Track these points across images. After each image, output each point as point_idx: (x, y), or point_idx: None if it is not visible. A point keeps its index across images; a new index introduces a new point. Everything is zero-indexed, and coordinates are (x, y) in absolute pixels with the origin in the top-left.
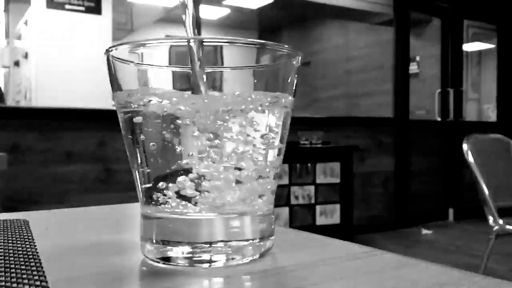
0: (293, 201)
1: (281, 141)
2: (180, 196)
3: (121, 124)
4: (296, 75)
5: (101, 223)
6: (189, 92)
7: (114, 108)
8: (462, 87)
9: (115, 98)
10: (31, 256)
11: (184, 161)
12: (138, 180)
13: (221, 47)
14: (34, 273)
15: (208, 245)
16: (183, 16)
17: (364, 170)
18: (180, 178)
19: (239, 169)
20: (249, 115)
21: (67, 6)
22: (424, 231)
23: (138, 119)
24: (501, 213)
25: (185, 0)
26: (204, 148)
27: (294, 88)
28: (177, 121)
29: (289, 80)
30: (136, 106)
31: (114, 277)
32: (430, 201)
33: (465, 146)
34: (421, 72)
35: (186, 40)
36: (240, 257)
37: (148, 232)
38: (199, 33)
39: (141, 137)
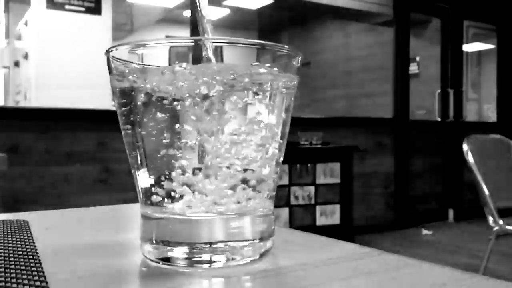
0: (293, 202)
1: (281, 139)
2: (180, 196)
3: (119, 116)
4: (296, 76)
5: (101, 223)
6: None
7: (114, 108)
8: (462, 87)
9: (111, 80)
10: (31, 256)
11: (184, 161)
12: (138, 180)
13: (221, 47)
14: (34, 273)
15: (208, 246)
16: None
17: (364, 171)
18: (180, 178)
19: (240, 169)
20: (249, 106)
21: (67, 7)
22: (424, 232)
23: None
24: (501, 213)
25: None
26: (204, 148)
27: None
28: (175, 103)
29: None
30: (132, 78)
31: (114, 277)
32: (430, 202)
33: (465, 147)
34: (421, 72)
35: (185, 41)
36: (240, 257)
37: (148, 233)
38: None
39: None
